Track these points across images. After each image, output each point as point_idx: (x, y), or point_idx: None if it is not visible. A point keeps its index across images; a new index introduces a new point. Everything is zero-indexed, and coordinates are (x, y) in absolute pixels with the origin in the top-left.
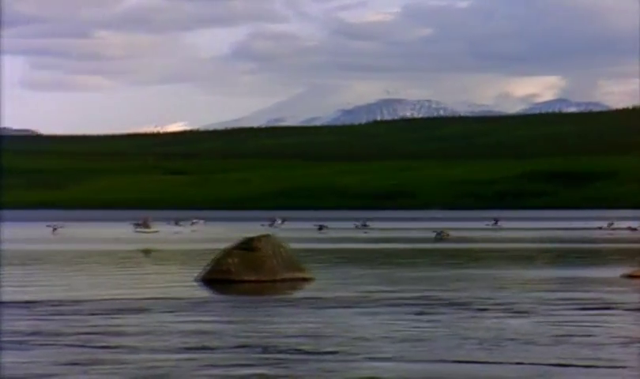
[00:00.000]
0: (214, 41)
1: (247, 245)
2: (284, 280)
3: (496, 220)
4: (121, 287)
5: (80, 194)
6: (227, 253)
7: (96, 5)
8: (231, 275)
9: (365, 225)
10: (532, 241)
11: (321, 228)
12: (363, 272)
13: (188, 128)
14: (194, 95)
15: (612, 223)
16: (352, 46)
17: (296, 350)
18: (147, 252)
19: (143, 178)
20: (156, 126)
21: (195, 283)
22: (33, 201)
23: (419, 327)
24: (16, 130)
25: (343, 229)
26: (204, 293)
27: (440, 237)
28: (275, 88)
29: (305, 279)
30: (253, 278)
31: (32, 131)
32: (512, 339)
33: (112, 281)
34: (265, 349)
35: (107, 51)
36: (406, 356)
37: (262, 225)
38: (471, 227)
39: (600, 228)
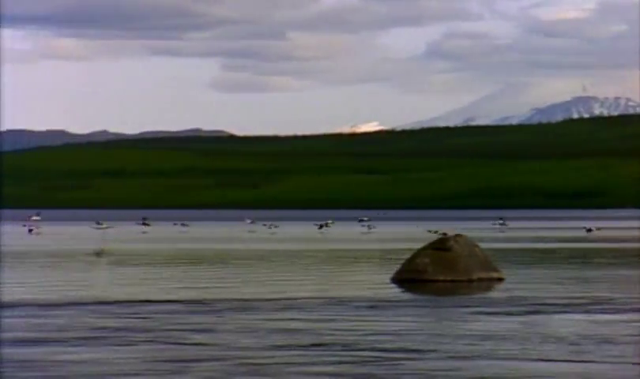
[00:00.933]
0: (408, 41)
1: (441, 245)
2: (480, 280)
3: None
4: (323, 285)
5: (272, 194)
6: (420, 252)
7: (290, 6)
8: (426, 275)
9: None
10: None
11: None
12: (553, 272)
13: (382, 128)
14: (388, 95)
15: None
16: (547, 43)
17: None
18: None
19: (336, 177)
20: (350, 126)
21: (390, 283)
22: (225, 201)
23: None
24: (208, 131)
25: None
26: (404, 293)
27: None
28: (468, 87)
29: (499, 279)
30: (448, 278)
31: (225, 132)
32: None
33: (314, 280)
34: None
35: (300, 52)
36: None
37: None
38: None
39: None
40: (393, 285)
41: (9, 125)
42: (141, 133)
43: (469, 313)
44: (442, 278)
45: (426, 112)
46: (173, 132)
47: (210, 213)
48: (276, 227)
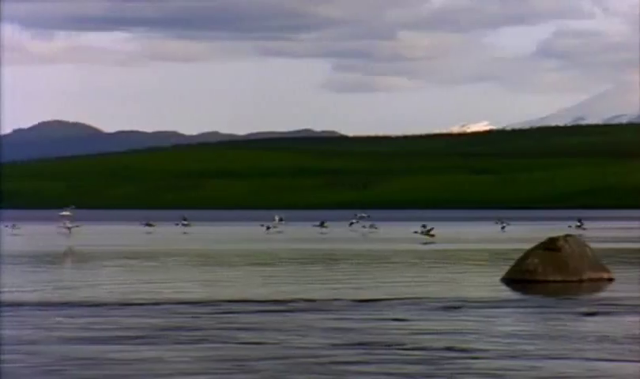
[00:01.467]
0: (518, 40)
1: (551, 245)
2: (590, 280)
3: None
4: (434, 285)
5: (382, 194)
6: (530, 253)
7: (400, 6)
8: (536, 276)
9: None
10: None
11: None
12: None
13: (491, 127)
14: (498, 94)
15: None
16: None
17: None
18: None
19: (447, 177)
20: (460, 126)
21: (500, 284)
22: (335, 201)
23: None
24: (319, 132)
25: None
26: (513, 294)
27: None
28: (578, 86)
29: (609, 280)
30: (558, 278)
31: (335, 132)
32: None
33: (422, 279)
34: None
35: (410, 52)
36: None
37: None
38: None
39: None
40: (503, 286)
41: (119, 126)
42: (252, 134)
43: (580, 313)
44: (552, 278)
45: (535, 111)
46: (284, 132)
47: (317, 214)
48: (375, 228)
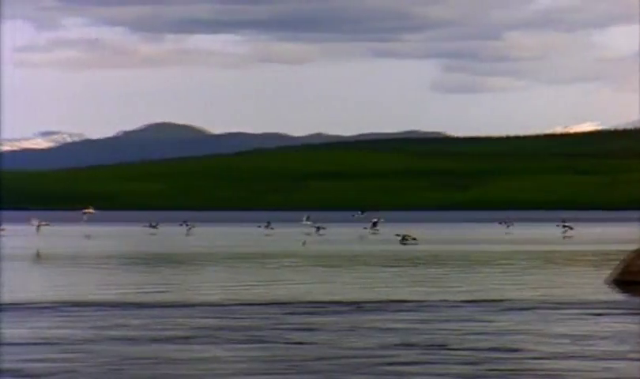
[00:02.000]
0: (624, 39)
1: None
2: None
3: None
4: (540, 287)
5: (485, 195)
6: (638, 254)
7: (506, 6)
8: None
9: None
10: None
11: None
12: None
13: (596, 127)
14: (603, 95)
15: None
16: None
17: None
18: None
19: (551, 178)
20: (563, 126)
21: (605, 285)
22: (441, 202)
23: None
24: (425, 132)
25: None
26: (619, 296)
27: None
28: None
29: None
30: None
31: (441, 133)
32: None
33: (534, 280)
34: None
35: (516, 52)
36: None
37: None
38: None
39: None
40: (608, 288)
41: (226, 128)
42: (358, 135)
43: None
44: None
45: None
46: (390, 134)
47: (423, 215)
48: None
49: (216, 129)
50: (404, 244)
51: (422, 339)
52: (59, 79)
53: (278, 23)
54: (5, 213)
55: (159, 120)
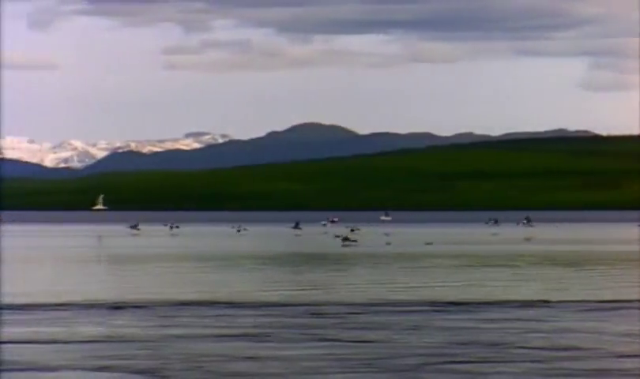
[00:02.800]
0: None
1: None
2: None
3: None
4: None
5: (637, 194)
6: None
7: None
8: None
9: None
10: None
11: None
12: None
13: None
14: None
15: None
16: None
17: None
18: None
19: None
20: None
21: None
22: (588, 202)
23: None
24: (574, 131)
25: None
26: None
27: None
28: None
29: None
30: None
31: (589, 132)
32: None
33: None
34: None
35: None
36: None
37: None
38: None
39: None
40: None
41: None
42: (506, 134)
43: None
44: None
45: None
46: (538, 133)
47: (576, 215)
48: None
49: (364, 129)
50: (346, 246)
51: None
52: (207, 81)
53: (425, 22)
54: (157, 214)
55: (306, 120)
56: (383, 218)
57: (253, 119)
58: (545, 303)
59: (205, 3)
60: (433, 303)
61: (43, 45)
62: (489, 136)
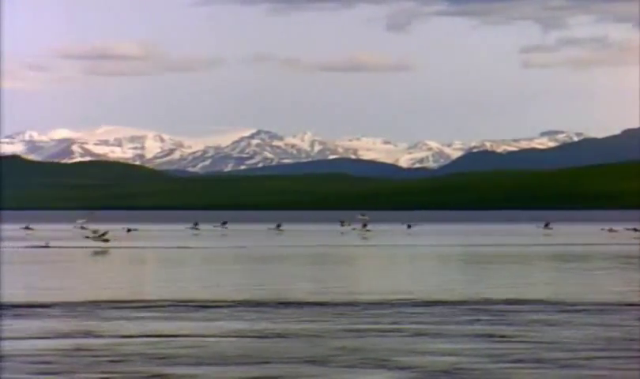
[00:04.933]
0: None
1: None
2: None
3: None
4: None
5: None
6: None
7: None
8: None
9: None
10: None
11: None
12: None
13: None
14: None
15: None
16: None
17: None
18: None
19: None
20: None
21: None
22: None
23: None
24: None
25: None
26: None
27: None
28: None
29: None
30: None
31: None
32: None
33: None
34: None
35: None
36: None
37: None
38: None
39: None
40: None
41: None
42: None
43: None
44: None
45: None
46: None
47: None
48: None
49: None
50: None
51: None
52: (564, 78)
53: None
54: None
55: None
56: None
57: (608, 117)
58: None
59: (563, 0)
60: None
61: (401, 46)
62: None
